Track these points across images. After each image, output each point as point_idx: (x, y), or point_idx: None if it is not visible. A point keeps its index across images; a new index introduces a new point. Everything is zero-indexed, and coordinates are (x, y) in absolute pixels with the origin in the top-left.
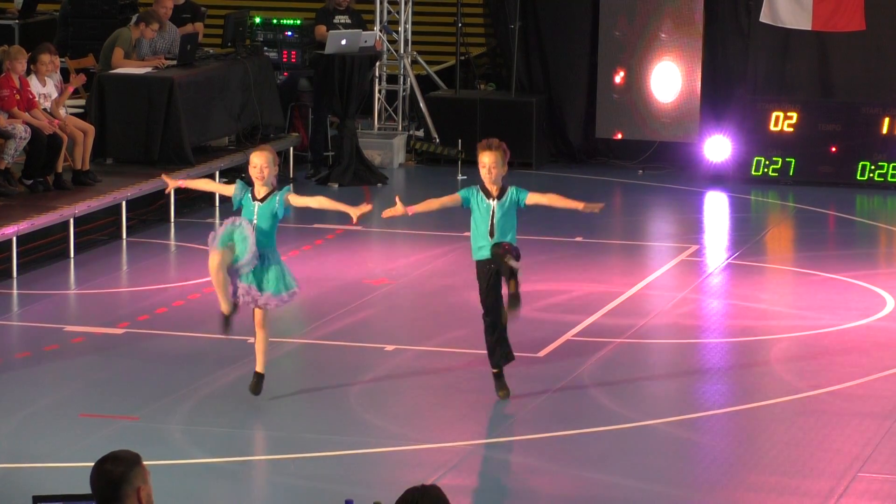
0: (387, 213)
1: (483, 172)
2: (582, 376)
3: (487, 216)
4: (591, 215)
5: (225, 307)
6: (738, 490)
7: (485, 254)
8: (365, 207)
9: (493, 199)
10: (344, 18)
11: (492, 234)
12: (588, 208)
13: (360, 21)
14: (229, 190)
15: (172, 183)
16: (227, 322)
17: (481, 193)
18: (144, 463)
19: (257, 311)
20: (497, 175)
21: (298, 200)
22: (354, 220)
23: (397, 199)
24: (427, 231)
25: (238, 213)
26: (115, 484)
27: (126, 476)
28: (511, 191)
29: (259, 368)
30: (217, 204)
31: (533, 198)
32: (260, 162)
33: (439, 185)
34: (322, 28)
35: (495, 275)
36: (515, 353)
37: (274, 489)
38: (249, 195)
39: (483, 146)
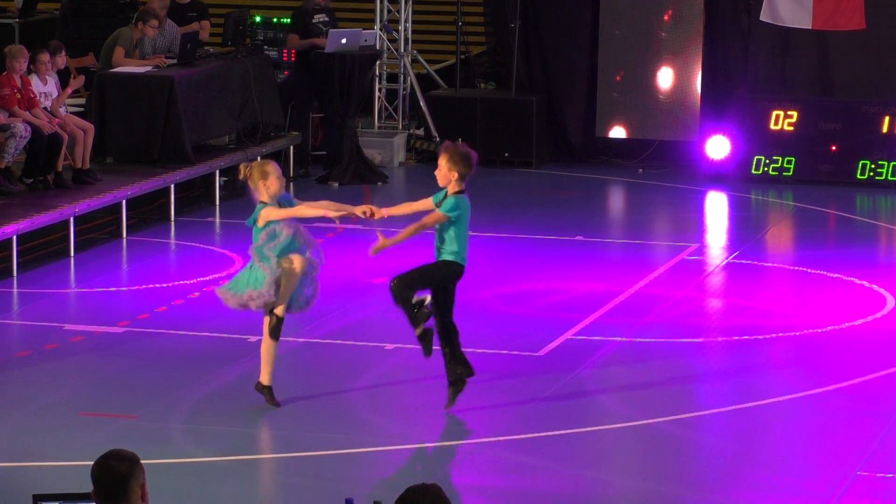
0: (374, 250)
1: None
2: (582, 375)
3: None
4: (590, 214)
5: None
6: (737, 489)
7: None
8: (364, 208)
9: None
10: (322, 17)
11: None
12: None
13: (335, 18)
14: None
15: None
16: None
17: (461, 197)
18: (143, 461)
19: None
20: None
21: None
22: (354, 218)
23: (378, 233)
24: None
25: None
26: (123, 480)
27: (132, 472)
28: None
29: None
30: (217, 203)
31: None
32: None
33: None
34: (295, 37)
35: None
36: (515, 352)
37: (274, 488)
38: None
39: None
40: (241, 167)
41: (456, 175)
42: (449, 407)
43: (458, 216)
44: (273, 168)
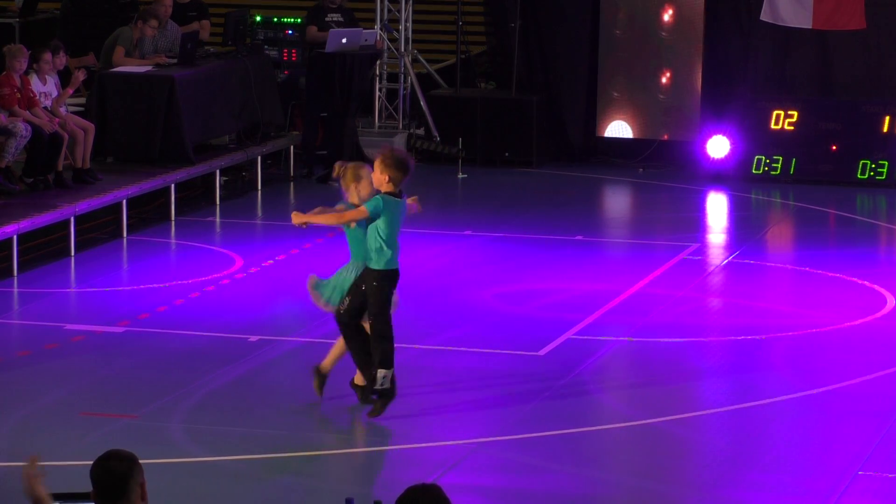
0: (300, 220)
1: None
2: (582, 375)
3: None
4: (590, 214)
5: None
6: (738, 489)
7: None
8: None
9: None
10: (336, 16)
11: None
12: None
13: (353, 19)
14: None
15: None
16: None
17: (389, 197)
18: (144, 461)
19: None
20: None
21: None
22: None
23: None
24: (426, 231)
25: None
26: (123, 480)
27: (132, 471)
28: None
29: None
30: (217, 202)
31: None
32: None
33: (440, 183)
34: (313, 28)
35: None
36: (516, 352)
37: (274, 488)
38: None
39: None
40: (336, 166)
41: (387, 178)
42: (371, 415)
43: (383, 213)
44: (367, 172)
